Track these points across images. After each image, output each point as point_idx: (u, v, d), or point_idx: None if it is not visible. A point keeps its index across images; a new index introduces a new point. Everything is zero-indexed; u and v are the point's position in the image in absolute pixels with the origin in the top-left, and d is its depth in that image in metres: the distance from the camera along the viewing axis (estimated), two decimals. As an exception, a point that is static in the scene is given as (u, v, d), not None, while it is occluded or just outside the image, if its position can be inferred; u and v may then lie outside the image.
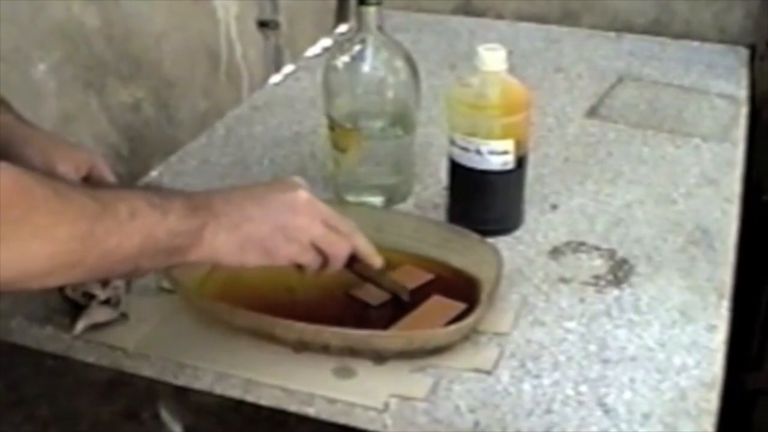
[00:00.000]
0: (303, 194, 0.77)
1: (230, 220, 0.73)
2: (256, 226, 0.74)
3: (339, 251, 0.80)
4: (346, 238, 0.81)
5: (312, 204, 0.77)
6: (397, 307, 0.89)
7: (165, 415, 1.00)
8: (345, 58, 1.05)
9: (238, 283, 0.91)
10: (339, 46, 1.09)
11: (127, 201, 0.67)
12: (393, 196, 1.10)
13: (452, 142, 1.00)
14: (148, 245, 0.68)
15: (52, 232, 0.62)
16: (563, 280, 0.96)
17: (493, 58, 0.96)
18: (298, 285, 0.89)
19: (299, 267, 0.80)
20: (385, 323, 0.87)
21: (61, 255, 0.63)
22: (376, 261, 0.84)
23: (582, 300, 0.93)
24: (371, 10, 1.01)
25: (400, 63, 1.05)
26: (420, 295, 0.91)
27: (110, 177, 0.88)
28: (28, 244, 0.61)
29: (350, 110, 1.07)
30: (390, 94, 1.06)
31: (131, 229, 0.66)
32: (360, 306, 0.91)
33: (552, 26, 1.67)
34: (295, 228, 0.76)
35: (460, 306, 0.88)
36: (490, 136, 0.97)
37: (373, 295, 0.91)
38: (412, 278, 0.94)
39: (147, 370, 0.87)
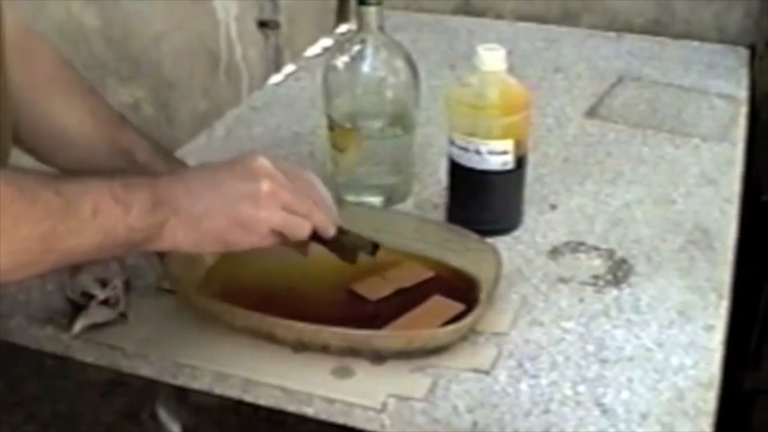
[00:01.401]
0: (265, 185, 0.75)
1: (190, 216, 0.73)
2: (215, 221, 0.74)
3: (299, 232, 0.80)
4: (306, 219, 0.80)
5: (273, 195, 0.76)
6: (397, 303, 0.90)
7: (164, 416, 1.00)
8: (345, 58, 1.05)
9: (237, 283, 0.91)
10: (339, 46, 1.09)
11: (91, 195, 0.68)
12: (392, 196, 1.10)
13: (452, 142, 1.00)
14: (107, 242, 0.69)
15: (14, 233, 0.63)
16: (562, 280, 0.96)
17: (492, 58, 0.96)
18: (298, 282, 0.89)
19: None
20: (385, 319, 0.88)
21: (20, 254, 0.64)
22: (330, 231, 0.83)
23: (581, 300, 0.93)
24: (371, 10, 1.01)
25: (400, 63, 1.05)
26: (421, 294, 0.91)
27: None
28: None
29: (350, 110, 1.07)
30: (390, 94, 1.06)
31: (92, 228, 0.67)
32: (360, 301, 0.91)
33: (551, 26, 1.67)
34: (255, 221, 0.76)
35: (459, 307, 0.89)
36: (489, 136, 0.97)
37: (373, 291, 0.91)
38: (413, 275, 0.94)
39: (146, 371, 0.87)
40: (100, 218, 0.68)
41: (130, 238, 0.70)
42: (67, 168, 0.92)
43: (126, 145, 0.90)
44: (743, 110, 1.34)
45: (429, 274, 0.94)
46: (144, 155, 0.90)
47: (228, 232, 0.75)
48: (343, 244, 0.86)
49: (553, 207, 1.09)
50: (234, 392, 0.84)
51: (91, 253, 0.69)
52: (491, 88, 0.97)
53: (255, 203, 0.75)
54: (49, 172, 0.69)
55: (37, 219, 0.64)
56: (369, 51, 1.04)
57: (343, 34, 1.64)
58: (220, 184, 0.75)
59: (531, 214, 1.06)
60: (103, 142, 0.90)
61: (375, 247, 0.87)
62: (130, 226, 0.70)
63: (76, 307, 0.87)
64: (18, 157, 0.87)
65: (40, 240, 0.64)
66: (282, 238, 0.79)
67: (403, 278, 0.93)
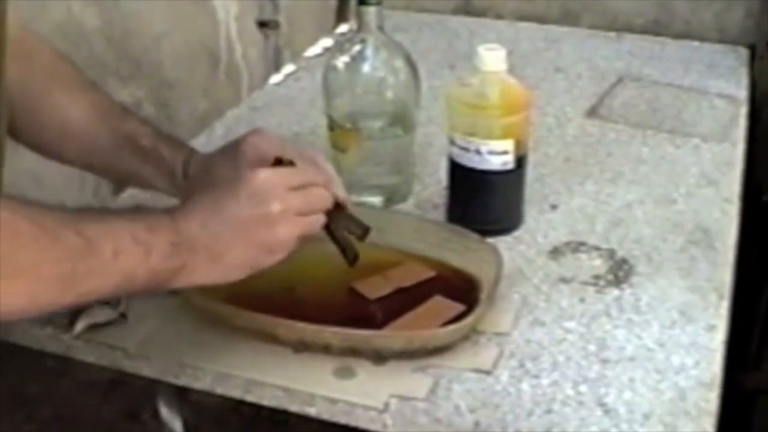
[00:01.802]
0: (275, 206, 0.75)
1: (210, 254, 0.73)
2: (238, 253, 0.74)
3: (317, 228, 0.80)
4: (321, 212, 0.80)
5: (285, 211, 0.76)
6: (398, 303, 0.90)
7: (165, 416, 1.00)
8: (345, 58, 1.05)
9: (239, 284, 0.91)
10: (339, 46, 1.09)
11: (112, 237, 0.67)
12: (393, 196, 1.10)
13: (452, 142, 1.00)
14: (126, 284, 0.68)
15: (35, 272, 0.62)
16: (563, 280, 0.96)
17: (492, 58, 0.96)
18: (299, 282, 0.90)
19: None
20: (386, 319, 0.88)
21: (40, 294, 0.64)
22: (341, 196, 0.83)
23: (582, 300, 0.93)
24: (371, 10, 1.01)
25: (400, 63, 1.05)
26: (422, 293, 0.91)
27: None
28: (10, 284, 0.61)
29: (350, 110, 1.07)
30: (390, 94, 1.06)
31: (112, 270, 0.67)
32: (360, 301, 0.91)
33: (552, 26, 1.67)
34: (278, 240, 0.76)
35: (460, 307, 0.89)
36: (489, 136, 0.97)
37: (373, 290, 0.91)
38: (413, 275, 0.94)
39: (147, 371, 0.87)
40: (121, 261, 0.67)
41: (150, 280, 0.70)
42: (72, 161, 0.93)
43: (129, 132, 0.90)
44: (743, 110, 1.34)
45: (430, 273, 0.95)
46: (148, 141, 0.90)
47: (254, 258, 0.75)
48: (330, 231, 0.84)
49: (554, 207, 1.09)
50: (236, 392, 0.84)
51: (110, 294, 0.69)
52: (491, 88, 0.97)
53: (271, 225, 0.75)
54: (71, 208, 0.69)
55: (59, 259, 0.63)
56: (369, 51, 1.04)
57: (343, 34, 1.64)
58: (232, 216, 0.74)
59: (531, 214, 1.07)
60: (107, 132, 0.90)
61: (365, 230, 0.86)
62: (151, 269, 0.69)
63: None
64: (23, 153, 0.87)
65: (60, 280, 0.64)
66: (305, 239, 0.79)
67: (403, 278, 0.93)
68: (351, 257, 0.86)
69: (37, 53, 0.89)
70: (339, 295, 0.92)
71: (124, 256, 0.67)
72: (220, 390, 0.84)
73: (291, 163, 0.82)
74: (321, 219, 0.80)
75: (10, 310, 0.63)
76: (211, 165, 0.88)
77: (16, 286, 0.61)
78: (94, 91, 0.92)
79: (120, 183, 0.96)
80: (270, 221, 0.75)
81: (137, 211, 0.74)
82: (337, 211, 0.83)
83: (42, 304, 0.65)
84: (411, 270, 0.95)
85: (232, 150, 0.86)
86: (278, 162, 0.82)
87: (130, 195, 1.05)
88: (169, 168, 0.89)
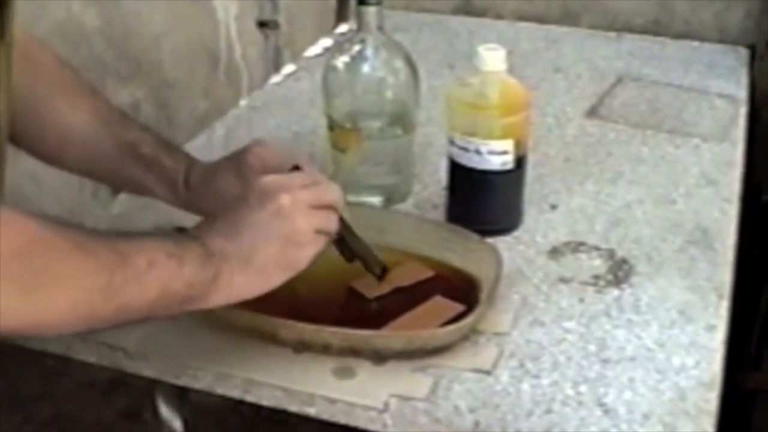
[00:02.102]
0: (284, 199, 0.76)
1: (240, 259, 0.73)
2: (265, 253, 0.74)
3: (333, 224, 0.80)
4: (334, 211, 0.80)
5: (296, 201, 0.76)
6: (398, 303, 0.90)
7: (165, 416, 1.00)
8: (345, 58, 1.05)
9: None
10: (339, 46, 1.09)
11: (145, 251, 0.67)
12: (393, 196, 1.10)
13: (452, 142, 1.00)
14: (164, 296, 0.68)
15: (74, 283, 0.62)
16: (563, 280, 0.96)
17: (492, 58, 0.96)
18: (299, 281, 0.90)
19: None
20: (384, 318, 0.88)
21: (80, 306, 0.64)
22: (341, 204, 0.83)
23: (581, 300, 0.93)
24: (371, 10, 1.01)
25: (399, 63, 1.05)
26: (422, 293, 0.91)
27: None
28: (50, 295, 0.61)
29: (350, 110, 1.07)
30: (390, 94, 1.06)
31: (149, 280, 0.67)
32: (360, 301, 0.91)
33: (551, 26, 1.67)
34: (297, 231, 0.76)
35: (460, 308, 0.88)
36: (489, 136, 0.97)
37: (371, 289, 0.91)
38: (413, 274, 0.94)
39: (147, 371, 0.87)
40: (156, 271, 0.67)
41: (188, 293, 0.70)
42: (74, 168, 0.93)
43: (131, 139, 0.90)
44: (743, 110, 1.34)
45: (429, 273, 0.95)
46: (149, 149, 0.90)
47: (284, 254, 0.75)
48: (360, 255, 0.87)
49: (554, 207, 1.09)
50: (235, 392, 0.84)
51: (150, 309, 0.68)
52: (491, 88, 0.97)
53: (287, 216, 0.75)
54: (100, 230, 0.69)
55: (96, 270, 0.64)
56: (369, 51, 1.04)
57: (343, 34, 1.64)
58: (248, 220, 0.75)
59: (531, 214, 1.07)
60: (109, 139, 0.90)
61: (383, 270, 0.90)
62: (187, 281, 0.69)
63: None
64: (22, 154, 0.87)
65: (99, 291, 0.64)
66: (327, 238, 0.79)
67: (403, 277, 0.93)
68: (378, 271, 0.89)
69: (39, 59, 0.89)
70: (338, 294, 0.92)
71: (158, 267, 0.67)
72: (220, 390, 0.85)
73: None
74: (335, 218, 0.80)
75: (54, 322, 0.63)
76: (214, 174, 0.88)
77: (57, 296, 0.62)
78: (95, 97, 0.92)
79: (120, 190, 0.96)
80: (284, 213, 0.75)
81: (159, 233, 0.75)
82: (356, 239, 0.85)
83: (83, 314, 0.64)
84: (410, 269, 0.95)
85: (236, 159, 0.87)
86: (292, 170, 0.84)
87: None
88: (170, 177, 0.89)
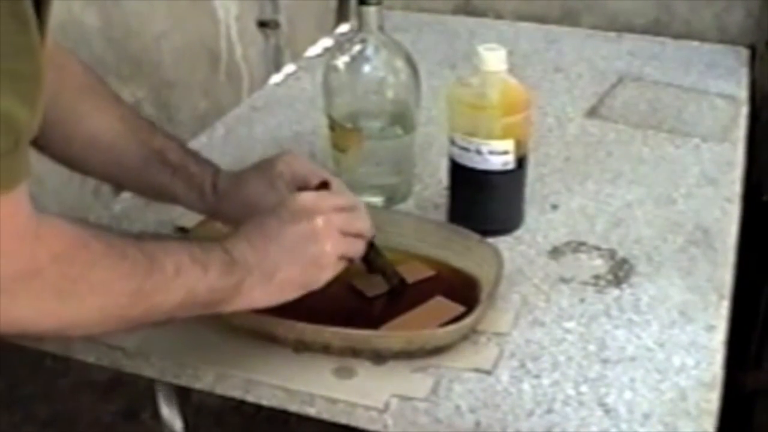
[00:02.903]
0: (318, 220, 0.77)
1: (263, 273, 0.74)
2: (287, 272, 0.76)
3: (359, 250, 0.83)
4: (363, 239, 0.83)
5: (329, 225, 0.78)
6: (396, 300, 0.90)
7: (165, 416, 1.00)
8: (345, 58, 1.05)
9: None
10: (339, 46, 1.09)
11: (172, 255, 0.68)
12: (393, 196, 1.10)
13: (452, 142, 1.00)
14: (188, 300, 0.69)
15: (107, 288, 0.64)
16: (563, 280, 0.96)
17: (493, 58, 0.96)
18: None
19: None
20: (384, 316, 0.88)
21: (111, 309, 0.65)
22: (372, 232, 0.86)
23: (582, 300, 0.93)
24: (371, 10, 1.01)
25: (400, 63, 1.05)
26: (422, 292, 0.91)
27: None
28: (83, 299, 0.63)
29: (350, 110, 1.07)
30: (390, 93, 1.06)
31: (176, 285, 0.68)
32: (359, 298, 0.91)
33: (552, 26, 1.67)
34: (325, 255, 0.78)
35: (461, 309, 0.88)
36: (490, 136, 0.97)
37: (371, 287, 0.91)
38: (414, 273, 0.94)
39: (147, 370, 0.87)
40: (183, 277, 0.68)
41: (210, 298, 0.71)
42: (99, 173, 0.94)
43: (157, 146, 0.91)
44: (743, 110, 1.34)
45: (430, 272, 0.94)
46: (175, 156, 0.91)
47: (304, 275, 0.77)
48: (382, 270, 0.89)
49: (554, 207, 1.09)
50: (236, 392, 0.84)
51: (173, 312, 0.69)
52: (492, 88, 0.97)
53: (317, 240, 0.77)
54: (128, 232, 0.70)
55: (128, 274, 0.65)
56: (369, 51, 1.04)
57: (343, 34, 1.64)
58: (277, 235, 0.76)
59: (532, 214, 1.06)
60: (135, 145, 0.90)
61: (402, 282, 0.91)
62: (210, 285, 0.70)
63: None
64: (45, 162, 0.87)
65: (129, 295, 0.65)
66: (348, 262, 0.81)
67: (403, 275, 0.93)
68: (396, 283, 0.90)
69: (67, 66, 0.89)
70: (339, 293, 0.92)
71: (184, 272, 0.68)
72: (220, 390, 0.84)
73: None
74: (362, 245, 0.82)
75: (83, 326, 0.65)
76: (244, 181, 0.89)
77: (89, 301, 0.63)
78: (121, 105, 0.93)
79: (145, 196, 0.97)
80: (315, 235, 0.77)
81: (186, 239, 0.77)
82: (380, 257, 0.88)
83: (112, 319, 0.66)
84: (412, 268, 0.95)
85: (265, 167, 0.89)
86: (321, 186, 0.86)
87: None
88: (198, 183, 0.90)
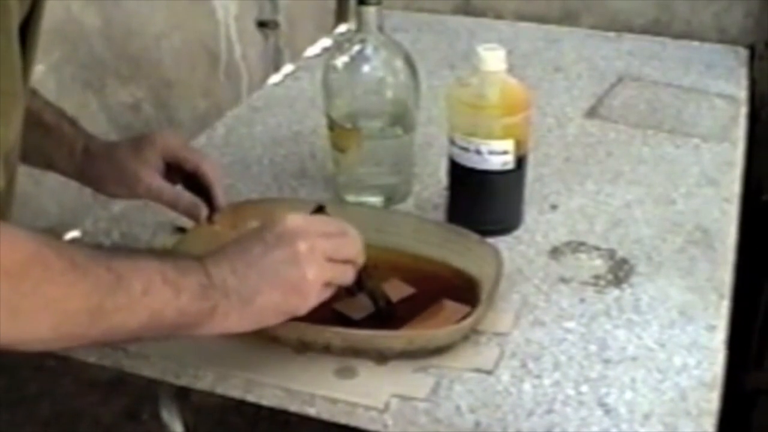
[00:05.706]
0: (302, 245, 0.74)
1: (240, 298, 0.72)
2: (267, 297, 0.73)
3: (347, 278, 0.79)
4: (352, 265, 0.79)
5: (313, 250, 0.75)
6: (404, 306, 0.89)
7: (166, 416, 1.00)
8: (345, 58, 1.05)
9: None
10: (339, 46, 1.09)
11: (142, 275, 0.67)
12: (393, 196, 1.10)
13: (452, 142, 1.00)
14: (154, 322, 0.68)
15: (62, 305, 0.62)
16: (563, 280, 0.96)
17: (492, 58, 0.96)
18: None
19: None
20: (395, 323, 0.87)
21: (67, 327, 0.64)
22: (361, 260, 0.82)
23: (582, 300, 0.93)
24: (371, 10, 1.01)
25: (399, 63, 1.05)
26: (428, 297, 0.90)
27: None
28: (35, 316, 0.61)
29: (350, 110, 1.07)
30: (390, 94, 1.06)
31: (141, 306, 0.66)
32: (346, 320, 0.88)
33: (552, 26, 1.67)
34: (306, 282, 0.74)
35: (466, 310, 0.88)
36: (490, 136, 0.97)
37: (356, 309, 0.88)
38: (396, 292, 0.91)
39: (148, 371, 0.87)
40: (150, 298, 0.67)
41: (180, 321, 0.70)
42: None
43: (33, 108, 0.89)
44: (743, 110, 1.34)
45: (410, 291, 0.92)
46: (51, 117, 0.93)
47: (284, 302, 0.74)
48: (362, 288, 0.85)
49: (554, 207, 1.09)
50: (236, 392, 0.84)
51: (136, 333, 0.68)
52: (492, 88, 0.97)
53: (299, 265, 0.74)
54: (104, 246, 0.69)
55: (87, 293, 0.64)
56: (369, 51, 1.04)
57: (342, 34, 1.64)
58: (259, 259, 0.74)
59: (532, 214, 1.07)
60: None
61: (388, 304, 0.88)
62: (180, 310, 0.69)
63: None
64: None
65: (87, 314, 0.64)
66: (335, 289, 0.78)
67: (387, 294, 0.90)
68: (383, 308, 0.87)
69: None
70: (323, 317, 0.89)
71: (153, 294, 0.67)
72: (220, 390, 0.84)
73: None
74: (351, 272, 0.79)
75: (32, 341, 0.63)
76: (116, 146, 0.93)
77: (41, 318, 0.62)
78: None
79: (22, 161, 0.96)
80: (296, 260, 0.74)
81: (167, 253, 0.75)
82: (370, 280, 0.85)
83: (66, 336, 0.64)
84: (393, 286, 0.92)
85: (141, 137, 0.93)
86: (316, 211, 0.84)
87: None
88: (69, 142, 0.92)
